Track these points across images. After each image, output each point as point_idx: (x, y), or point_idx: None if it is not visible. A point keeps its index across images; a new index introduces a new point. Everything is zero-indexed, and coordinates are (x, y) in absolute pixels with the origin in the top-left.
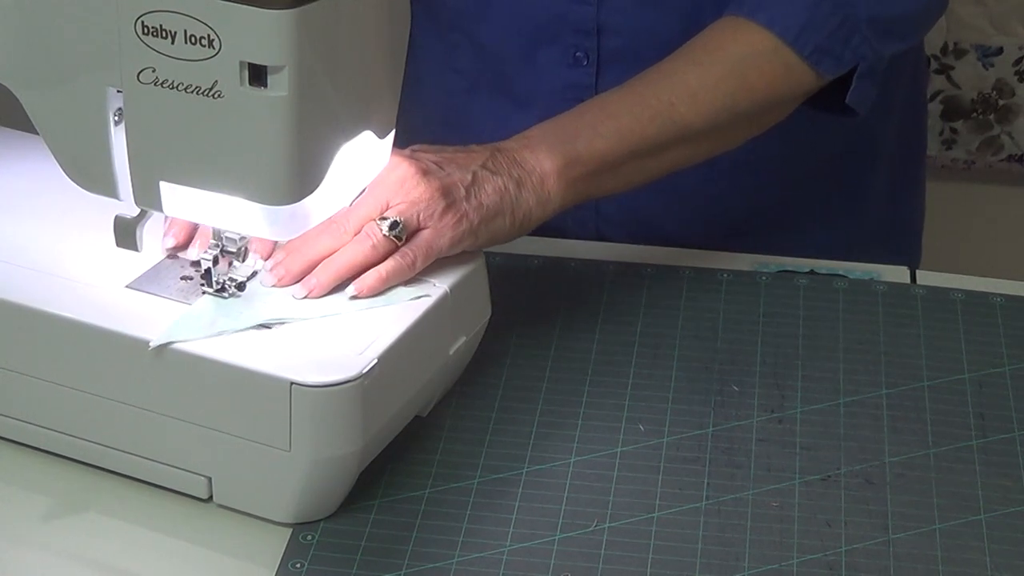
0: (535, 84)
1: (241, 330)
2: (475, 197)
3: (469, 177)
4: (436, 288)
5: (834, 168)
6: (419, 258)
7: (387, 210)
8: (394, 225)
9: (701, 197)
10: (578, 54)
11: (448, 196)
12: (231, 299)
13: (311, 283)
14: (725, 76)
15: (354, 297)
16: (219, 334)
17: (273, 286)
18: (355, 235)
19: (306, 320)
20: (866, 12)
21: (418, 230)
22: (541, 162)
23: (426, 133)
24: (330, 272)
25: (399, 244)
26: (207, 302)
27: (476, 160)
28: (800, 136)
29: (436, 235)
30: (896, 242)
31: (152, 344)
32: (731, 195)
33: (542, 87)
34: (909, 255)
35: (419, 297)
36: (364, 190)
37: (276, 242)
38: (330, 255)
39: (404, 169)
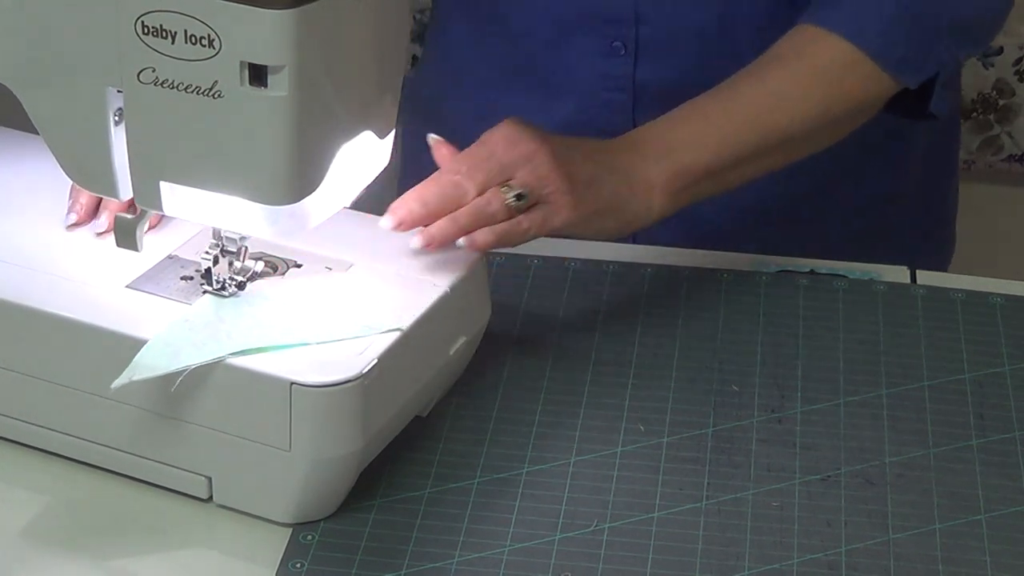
0: (570, 75)
1: (206, 363)
2: (595, 190)
3: (594, 170)
4: (436, 288)
5: (863, 168)
6: (533, 228)
7: (512, 180)
8: (520, 196)
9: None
10: (615, 44)
11: (572, 181)
12: (230, 298)
13: (431, 235)
14: (819, 83)
15: (469, 246)
16: (182, 369)
17: (391, 229)
18: (476, 196)
19: (276, 351)
20: (947, 19)
21: (536, 204)
22: (650, 172)
23: (459, 125)
24: (447, 231)
25: (515, 216)
26: (206, 303)
27: (602, 155)
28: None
29: (553, 212)
30: (931, 236)
31: (114, 386)
32: (762, 193)
33: (578, 78)
34: (941, 252)
35: (391, 331)
36: (483, 150)
37: None
38: (446, 211)
39: (535, 145)
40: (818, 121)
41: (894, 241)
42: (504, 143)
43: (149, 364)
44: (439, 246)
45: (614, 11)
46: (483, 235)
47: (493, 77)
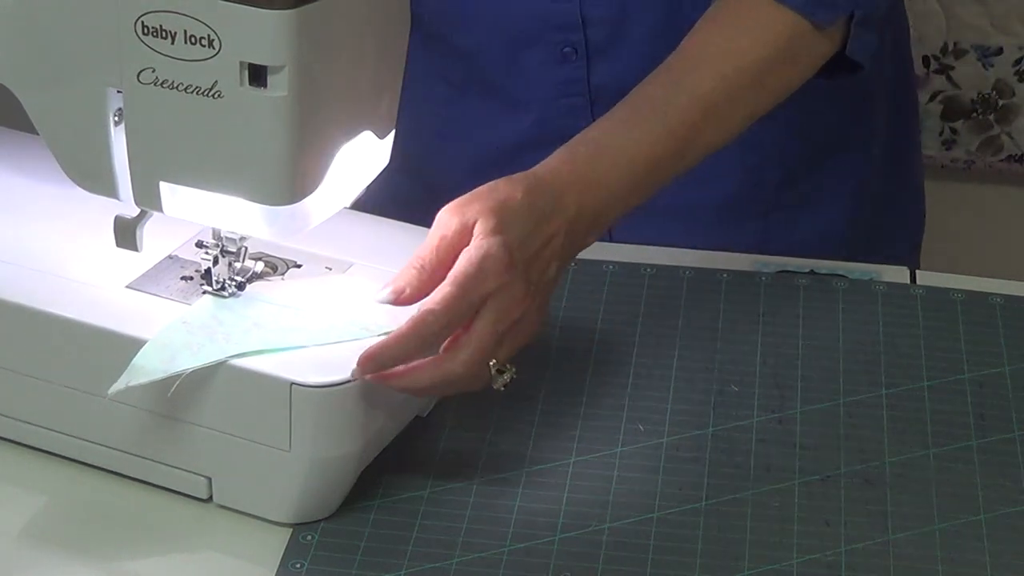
0: (527, 85)
1: (202, 366)
2: (551, 287)
3: (553, 284)
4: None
5: (828, 152)
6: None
7: (500, 349)
8: (510, 382)
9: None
10: (566, 49)
11: (542, 315)
12: (230, 298)
13: (401, 385)
14: (745, 88)
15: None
16: (178, 373)
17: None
18: (467, 365)
19: (269, 354)
20: None
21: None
22: (588, 240)
23: (420, 141)
24: (421, 392)
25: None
26: (206, 302)
27: (555, 247)
28: (795, 119)
29: (521, 343)
30: (895, 232)
31: (111, 392)
32: (735, 171)
33: (534, 87)
34: (907, 249)
35: (388, 332)
36: (469, 299)
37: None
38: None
39: (524, 301)
40: (746, 123)
41: (865, 233)
42: (498, 284)
43: (146, 368)
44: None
45: (560, 17)
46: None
47: (449, 93)
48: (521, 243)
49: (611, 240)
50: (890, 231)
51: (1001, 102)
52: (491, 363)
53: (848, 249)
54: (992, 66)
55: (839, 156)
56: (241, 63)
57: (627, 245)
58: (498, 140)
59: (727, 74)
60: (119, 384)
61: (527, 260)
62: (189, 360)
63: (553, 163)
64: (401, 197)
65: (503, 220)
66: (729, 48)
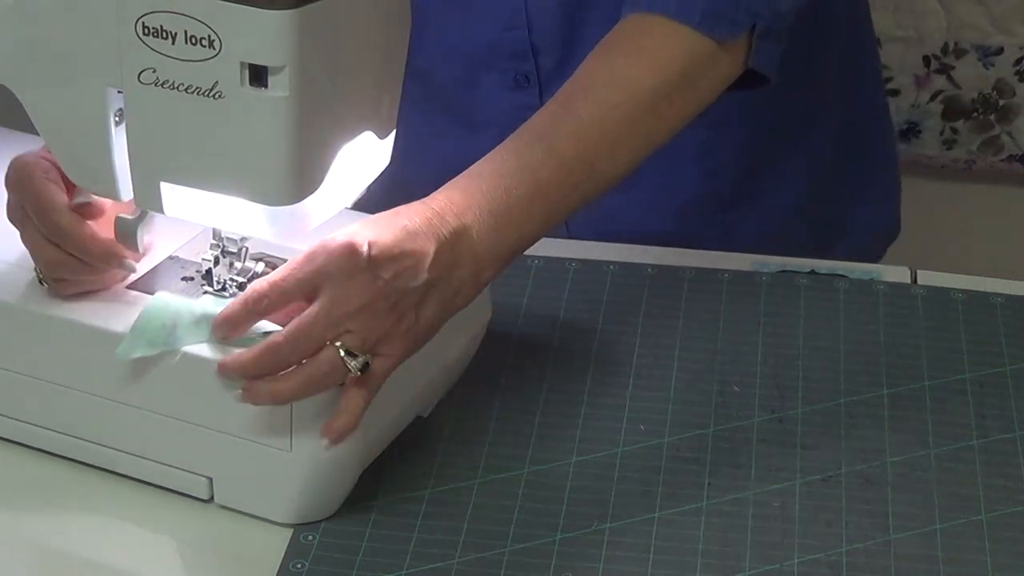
0: (484, 109)
1: (198, 343)
2: (424, 317)
3: (419, 296)
4: None
5: (794, 147)
6: (374, 389)
7: (346, 335)
8: (366, 366)
9: (667, 182)
10: (518, 77)
11: (403, 322)
12: (231, 299)
13: (257, 394)
14: (639, 116)
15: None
16: (176, 346)
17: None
18: (312, 352)
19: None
20: None
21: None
22: (483, 269)
23: (394, 161)
24: (283, 395)
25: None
26: (206, 302)
27: (426, 269)
28: (748, 118)
29: (387, 362)
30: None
31: (118, 352)
32: (694, 178)
33: (491, 111)
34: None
35: None
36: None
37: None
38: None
39: (369, 292)
40: (642, 153)
41: (825, 216)
42: (343, 291)
43: (151, 324)
44: (259, 403)
45: (512, 47)
46: (343, 423)
47: (417, 113)
48: (378, 246)
49: (569, 235)
50: (851, 212)
51: (1001, 102)
52: (337, 344)
53: (809, 235)
54: (992, 66)
55: (789, 148)
56: (242, 63)
57: (627, 245)
58: (462, 155)
59: (617, 102)
60: (125, 346)
61: (381, 259)
62: (191, 325)
63: (436, 193)
64: (385, 204)
65: (361, 226)
66: (620, 75)
